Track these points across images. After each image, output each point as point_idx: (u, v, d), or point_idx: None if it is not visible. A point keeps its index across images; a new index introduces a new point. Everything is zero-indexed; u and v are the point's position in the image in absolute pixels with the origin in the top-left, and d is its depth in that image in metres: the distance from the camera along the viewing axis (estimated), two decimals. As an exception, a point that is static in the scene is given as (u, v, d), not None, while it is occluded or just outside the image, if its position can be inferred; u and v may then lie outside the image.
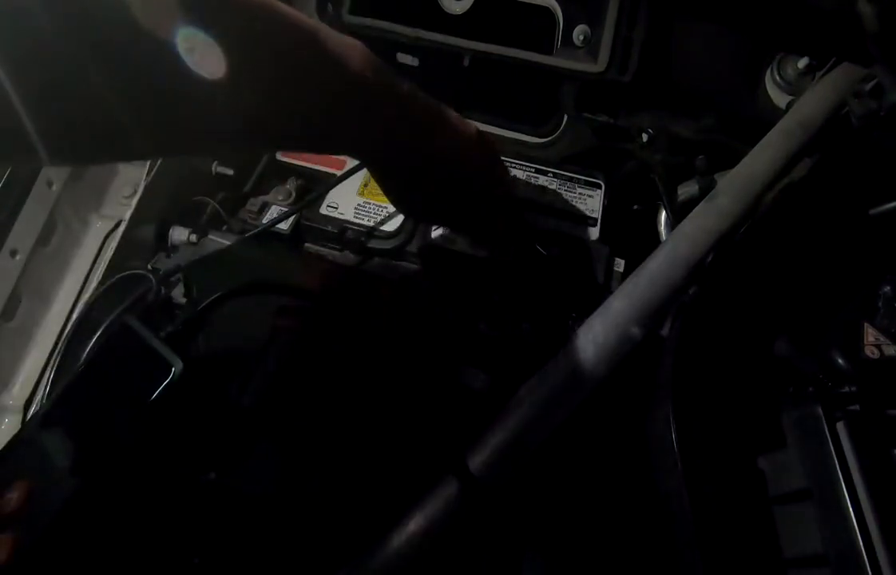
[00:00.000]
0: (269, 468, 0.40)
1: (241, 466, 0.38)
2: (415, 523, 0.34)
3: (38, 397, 0.44)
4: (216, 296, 0.41)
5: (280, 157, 0.61)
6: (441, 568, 0.35)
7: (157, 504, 0.36)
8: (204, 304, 0.41)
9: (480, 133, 0.44)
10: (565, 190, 0.59)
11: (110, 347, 0.38)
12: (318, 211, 0.56)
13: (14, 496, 0.32)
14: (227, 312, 0.43)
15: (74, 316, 0.46)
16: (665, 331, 0.45)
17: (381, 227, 0.55)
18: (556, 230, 0.55)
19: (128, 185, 0.54)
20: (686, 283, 0.42)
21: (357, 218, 0.55)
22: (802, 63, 0.53)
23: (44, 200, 0.48)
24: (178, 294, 0.46)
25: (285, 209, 0.55)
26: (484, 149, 0.44)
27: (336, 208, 0.56)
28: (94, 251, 0.50)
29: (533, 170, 0.61)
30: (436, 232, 0.55)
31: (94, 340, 0.43)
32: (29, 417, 0.44)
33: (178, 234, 0.51)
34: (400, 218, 0.55)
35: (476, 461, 0.35)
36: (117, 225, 0.50)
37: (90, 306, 0.47)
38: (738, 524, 0.39)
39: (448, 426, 0.36)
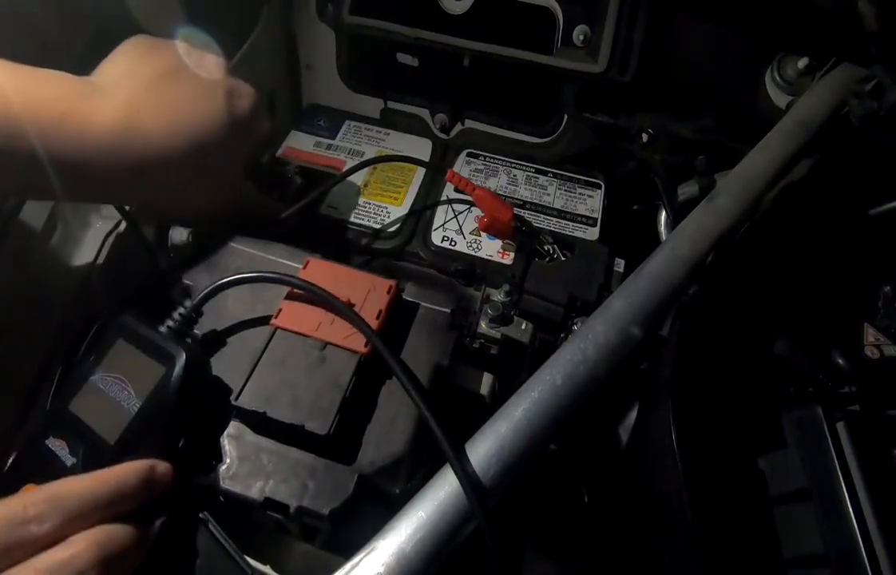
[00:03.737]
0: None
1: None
2: (409, 525, 0.34)
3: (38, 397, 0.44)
4: (211, 287, 0.40)
5: (280, 156, 0.61)
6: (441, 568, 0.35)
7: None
8: (200, 296, 0.40)
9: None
10: (565, 190, 0.59)
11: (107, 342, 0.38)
12: (319, 211, 0.56)
13: None
14: (224, 304, 0.43)
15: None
16: (665, 331, 0.45)
17: (381, 228, 0.55)
18: (556, 230, 0.55)
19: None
20: (686, 283, 0.42)
21: (357, 218, 0.55)
22: (802, 63, 0.53)
23: (44, 200, 0.48)
24: (177, 293, 0.46)
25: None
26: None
27: (336, 208, 0.56)
28: (94, 251, 0.50)
29: (533, 170, 0.61)
30: (436, 232, 0.55)
31: (89, 336, 0.43)
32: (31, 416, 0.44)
33: (178, 234, 0.51)
34: (400, 218, 0.56)
35: (471, 465, 0.35)
36: (117, 225, 0.50)
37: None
38: (738, 524, 0.39)
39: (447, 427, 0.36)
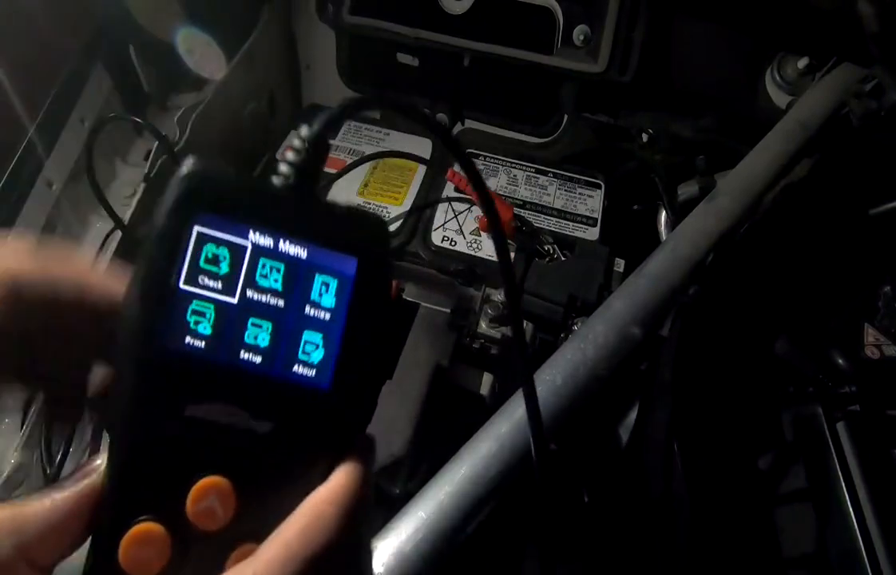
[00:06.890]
0: None
1: None
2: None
3: (38, 397, 0.44)
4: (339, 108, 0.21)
5: (280, 157, 0.61)
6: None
7: None
8: (321, 122, 0.20)
9: None
10: (565, 190, 0.59)
11: None
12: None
13: None
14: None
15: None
16: (665, 331, 0.45)
17: (381, 228, 0.55)
18: (557, 230, 0.55)
19: (128, 185, 0.54)
20: (686, 283, 0.42)
21: (357, 218, 0.55)
22: (802, 63, 0.53)
23: (44, 201, 0.48)
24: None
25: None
26: None
27: (336, 208, 0.56)
28: (94, 251, 0.50)
29: (533, 170, 0.61)
30: (436, 232, 0.55)
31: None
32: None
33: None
34: (400, 218, 0.55)
35: (466, 468, 0.35)
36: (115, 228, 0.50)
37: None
38: (738, 524, 0.39)
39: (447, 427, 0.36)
